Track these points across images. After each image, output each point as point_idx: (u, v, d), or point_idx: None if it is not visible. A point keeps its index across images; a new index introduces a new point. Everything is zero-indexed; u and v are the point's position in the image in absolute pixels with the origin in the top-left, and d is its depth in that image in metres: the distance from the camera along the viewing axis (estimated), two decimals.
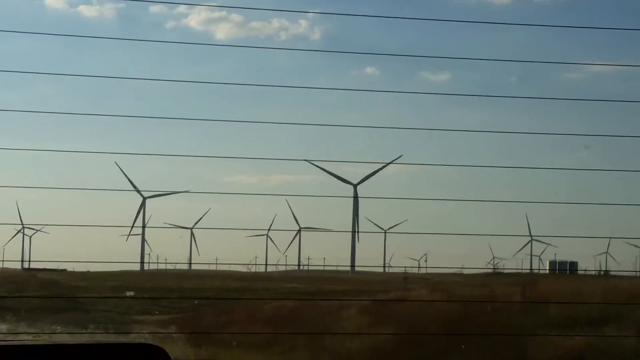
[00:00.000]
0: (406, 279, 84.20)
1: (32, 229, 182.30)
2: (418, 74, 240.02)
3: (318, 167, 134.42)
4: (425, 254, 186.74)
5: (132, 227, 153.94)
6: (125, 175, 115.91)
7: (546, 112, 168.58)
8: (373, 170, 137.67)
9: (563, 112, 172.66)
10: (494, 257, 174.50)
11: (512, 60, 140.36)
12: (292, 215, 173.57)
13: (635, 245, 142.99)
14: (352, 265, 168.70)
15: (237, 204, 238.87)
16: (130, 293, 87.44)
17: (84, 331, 46.92)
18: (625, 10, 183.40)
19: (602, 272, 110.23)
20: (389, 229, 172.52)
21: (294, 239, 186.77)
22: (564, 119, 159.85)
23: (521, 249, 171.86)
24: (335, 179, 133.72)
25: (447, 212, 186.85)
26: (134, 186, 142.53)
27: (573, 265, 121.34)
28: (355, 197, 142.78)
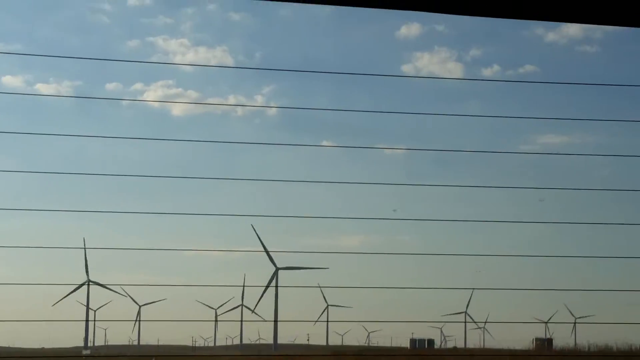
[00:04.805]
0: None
1: None
2: (374, 146, 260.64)
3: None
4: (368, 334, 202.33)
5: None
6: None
7: (501, 180, 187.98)
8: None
9: (518, 180, 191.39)
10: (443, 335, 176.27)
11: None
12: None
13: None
14: (275, 337, 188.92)
15: (200, 278, 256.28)
16: (86, 352, 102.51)
17: None
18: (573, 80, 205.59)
19: (454, 348, 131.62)
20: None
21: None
22: (518, 182, 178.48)
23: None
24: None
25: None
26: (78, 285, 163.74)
27: (430, 342, 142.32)
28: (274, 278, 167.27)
